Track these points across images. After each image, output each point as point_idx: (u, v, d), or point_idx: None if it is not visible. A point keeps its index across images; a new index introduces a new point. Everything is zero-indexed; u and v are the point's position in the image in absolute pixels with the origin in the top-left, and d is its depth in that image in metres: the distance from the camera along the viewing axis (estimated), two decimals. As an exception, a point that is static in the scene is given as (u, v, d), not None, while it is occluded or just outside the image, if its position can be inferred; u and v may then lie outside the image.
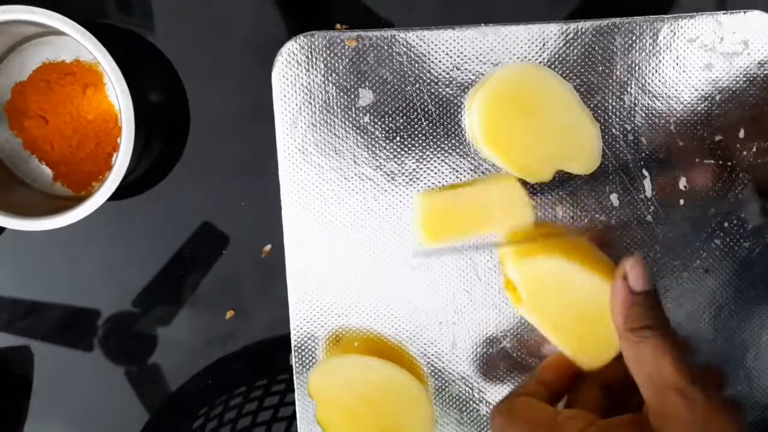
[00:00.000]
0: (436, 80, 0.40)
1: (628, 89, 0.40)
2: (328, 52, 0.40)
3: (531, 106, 0.39)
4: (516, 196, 0.40)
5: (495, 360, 0.43)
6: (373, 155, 0.41)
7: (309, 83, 0.40)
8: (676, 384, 0.33)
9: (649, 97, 0.41)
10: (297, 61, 0.40)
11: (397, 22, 0.43)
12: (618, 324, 0.36)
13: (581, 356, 0.39)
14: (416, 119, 0.41)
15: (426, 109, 0.41)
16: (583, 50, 0.40)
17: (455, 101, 0.41)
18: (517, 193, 0.40)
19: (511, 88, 0.39)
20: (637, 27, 0.40)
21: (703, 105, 0.41)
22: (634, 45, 0.40)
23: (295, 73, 0.40)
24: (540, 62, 0.40)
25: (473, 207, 0.40)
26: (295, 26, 0.43)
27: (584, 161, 0.40)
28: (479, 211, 0.40)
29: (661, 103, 0.41)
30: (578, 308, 0.39)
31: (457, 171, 0.41)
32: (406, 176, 0.41)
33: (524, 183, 0.40)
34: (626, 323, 0.35)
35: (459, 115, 0.41)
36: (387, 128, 0.41)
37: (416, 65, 0.40)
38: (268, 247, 0.45)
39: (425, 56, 0.40)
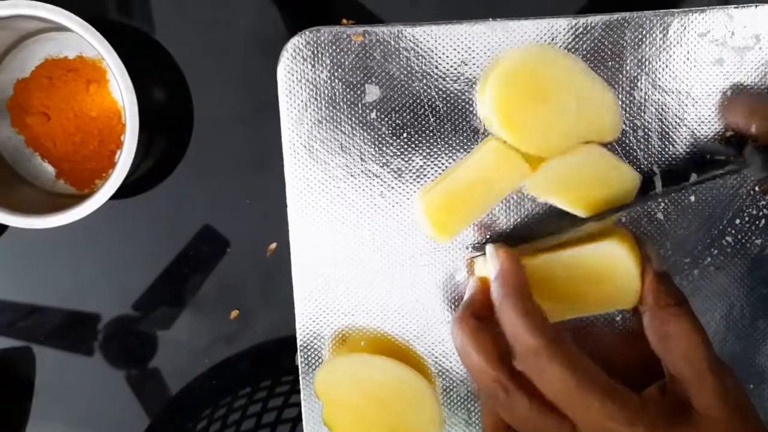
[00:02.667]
0: (443, 76, 0.40)
1: (639, 84, 0.40)
2: (334, 47, 0.40)
3: (545, 85, 0.38)
4: (507, 156, 0.39)
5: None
6: (380, 152, 0.41)
7: (315, 79, 0.40)
8: (711, 365, 0.35)
9: (659, 92, 0.40)
10: (303, 57, 0.40)
11: (404, 17, 0.42)
12: (649, 304, 0.38)
13: None
14: (424, 115, 0.40)
15: (433, 105, 0.40)
16: (592, 45, 0.39)
17: (463, 97, 0.40)
18: (506, 153, 0.39)
19: (522, 68, 0.39)
20: (647, 21, 0.39)
21: (714, 100, 0.40)
22: (644, 39, 0.40)
23: (300, 69, 0.40)
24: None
25: (474, 186, 0.40)
26: (300, 21, 0.42)
27: (605, 130, 0.40)
28: (481, 187, 0.40)
29: (672, 99, 0.40)
30: None
31: (464, 168, 0.41)
32: (414, 173, 0.41)
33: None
34: (659, 301, 0.37)
35: (467, 111, 0.40)
36: (394, 125, 0.40)
37: (423, 61, 0.40)
38: (273, 246, 0.44)
39: (433, 51, 0.40)
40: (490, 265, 0.38)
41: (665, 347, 0.36)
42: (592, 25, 0.39)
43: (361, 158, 0.41)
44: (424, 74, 0.40)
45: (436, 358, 0.43)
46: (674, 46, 0.40)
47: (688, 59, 0.40)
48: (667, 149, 0.41)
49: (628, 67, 0.40)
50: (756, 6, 0.39)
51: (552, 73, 0.39)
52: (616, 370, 0.39)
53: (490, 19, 0.39)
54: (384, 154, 0.41)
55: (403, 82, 0.40)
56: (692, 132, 0.41)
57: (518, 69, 0.39)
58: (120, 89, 0.38)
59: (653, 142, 0.40)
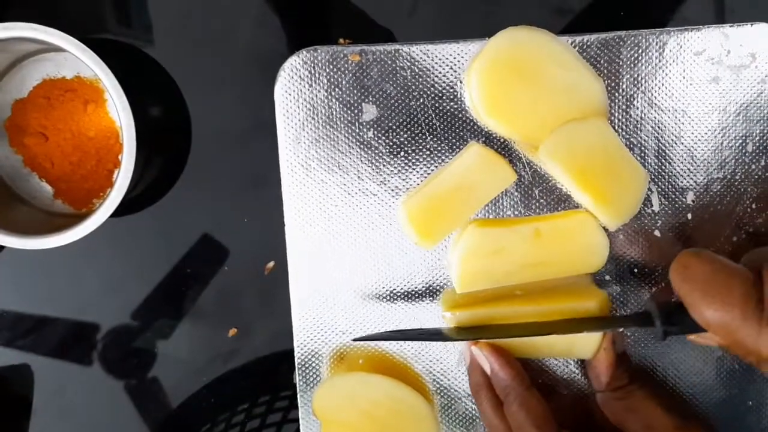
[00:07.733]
0: (440, 95, 0.40)
1: (635, 103, 0.40)
2: (331, 66, 0.40)
3: (530, 70, 0.38)
4: (490, 160, 0.40)
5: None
6: (377, 171, 0.41)
7: (312, 98, 0.40)
8: (677, 426, 0.37)
9: (655, 110, 0.40)
10: (300, 76, 0.40)
11: (400, 36, 0.42)
12: (602, 386, 0.39)
13: None
14: (420, 134, 0.40)
15: (430, 123, 0.40)
16: (588, 63, 0.39)
17: (460, 116, 0.40)
18: (489, 157, 0.40)
19: (507, 54, 0.38)
20: (644, 40, 0.39)
21: (710, 118, 0.40)
22: (640, 58, 0.40)
23: (298, 88, 0.40)
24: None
25: (457, 191, 0.40)
26: (297, 40, 0.43)
27: (593, 109, 0.39)
28: (464, 192, 0.40)
29: (668, 117, 0.40)
30: None
31: (462, 186, 0.41)
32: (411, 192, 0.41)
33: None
34: (612, 383, 0.39)
35: (464, 131, 0.40)
36: (391, 143, 0.40)
37: (420, 79, 0.40)
38: (271, 264, 0.44)
39: (429, 70, 0.40)
40: (483, 365, 0.40)
41: (625, 422, 0.38)
42: (588, 43, 0.39)
43: (359, 177, 0.41)
44: (421, 93, 0.40)
45: (435, 376, 0.43)
46: (670, 64, 0.40)
47: (684, 78, 0.40)
48: (664, 167, 0.41)
49: (624, 86, 0.40)
50: (751, 25, 0.39)
51: (539, 58, 0.38)
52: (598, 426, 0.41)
53: (486, 38, 0.39)
54: (381, 173, 0.41)
55: (399, 101, 0.40)
56: (689, 150, 0.41)
57: (503, 55, 0.38)
58: (117, 110, 0.38)
59: (650, 161, 0.41)
